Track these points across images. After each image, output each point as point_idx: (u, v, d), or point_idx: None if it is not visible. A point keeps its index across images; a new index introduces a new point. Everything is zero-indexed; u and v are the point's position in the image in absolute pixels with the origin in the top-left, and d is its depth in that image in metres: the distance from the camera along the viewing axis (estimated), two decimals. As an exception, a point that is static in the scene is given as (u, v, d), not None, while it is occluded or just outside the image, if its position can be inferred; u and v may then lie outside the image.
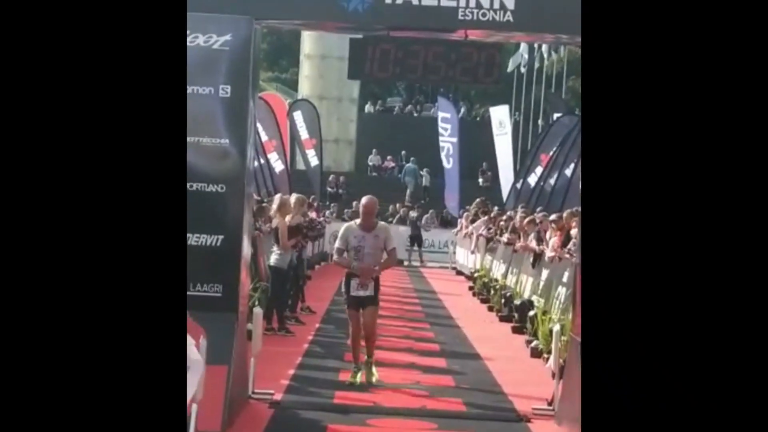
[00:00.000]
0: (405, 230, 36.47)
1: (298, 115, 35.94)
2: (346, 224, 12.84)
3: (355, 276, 12.26)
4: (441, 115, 41.48)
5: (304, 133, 36.12)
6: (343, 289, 12.51)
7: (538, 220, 20.20)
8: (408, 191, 44.55)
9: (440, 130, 40.32)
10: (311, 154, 36.42)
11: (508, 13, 9.90)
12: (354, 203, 35.74)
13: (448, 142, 39.59)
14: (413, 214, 37.95)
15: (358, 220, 12.43)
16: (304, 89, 47.72)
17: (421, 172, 45.50)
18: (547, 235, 18.44)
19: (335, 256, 12.62)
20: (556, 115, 34.54)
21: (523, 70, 47.71)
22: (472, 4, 9.89)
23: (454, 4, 9.89)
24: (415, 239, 36.58)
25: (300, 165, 38.85)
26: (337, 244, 12.45)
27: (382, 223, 13.06)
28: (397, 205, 40.14)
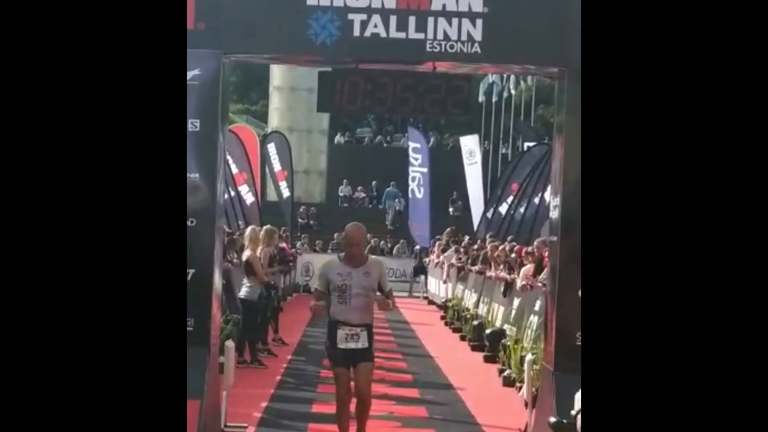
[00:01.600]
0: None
1: (271, 147, 36.00)
2: (326, 260, 10.42)
3: (342, 324, 9.78)
4: (411, 145, 41.55)
5: (276, 165, 36.18)
6: (326, 342, 10.10)
7: (508, 249, 20.31)
8: (389, 215, 44.64)
9: (411, 160, 40.39)
10: (284, 185, 36.48)
11: (476, 44, 9.97)
12: (336, 234, 35.81)
13: (418, 171, 39.66)
14: (417, 247, 37.91)
15: (341, 254, 10.05)
16: (274, 121, 47.75)
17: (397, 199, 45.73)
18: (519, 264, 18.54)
19: (312, 301, 10.00)
20: (527, 144, 34.69)
21: (494, 98, 47.89)
22: (440, 36, 9.96)
23: (422, 36, 9.96)
24: (419, 270, 36.45)
25: (272, 197, 38.87)
26: (315, 285, 10.18)
27: (374, 257, 10.68)
28: (368, 235, 40.12)
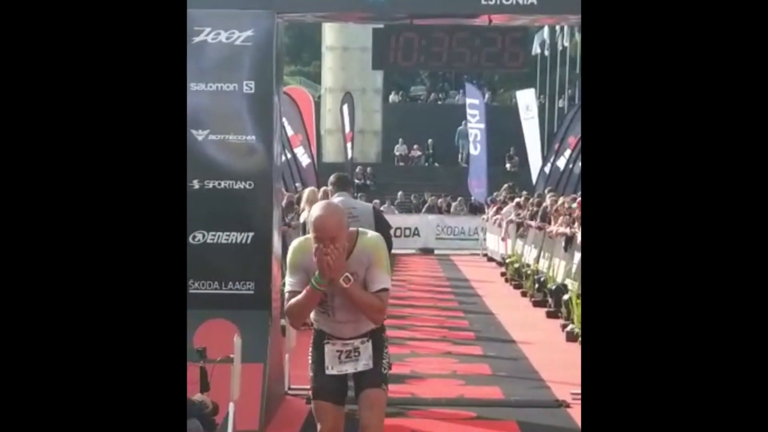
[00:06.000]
0: (434, 219, 36.39)
1: (345, 109, 36.08)
2: (296, 243, 6.44)
3: (331, 338, 6.43)
4: (468, 101, 41.27)
5: (347, 126, 36.22)
6: (310, 361, 6.56)
7: (568, 204, 20.10)
8: (462, 154, 44.75)
9: (468, 117, 40.16)
10: (350, 146, 36.59)
11: (532, -5, 9.79)
12: (399, 194, 35.15)
13: (476, 128, 39.43)
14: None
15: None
16: (328, 81, 47.72)
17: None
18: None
19: (286, 304, 6.32)
20: (582, 97, 34.35)
21: (546, 52, 47.46)
22: (495, -12, 9.79)
23: (476, -11, 9.80)
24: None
25: (328, 158, 38.89)
26: (289, 287, 6.28)
27: (370, 236, 6.34)
28: (426, 193, 40.01)
